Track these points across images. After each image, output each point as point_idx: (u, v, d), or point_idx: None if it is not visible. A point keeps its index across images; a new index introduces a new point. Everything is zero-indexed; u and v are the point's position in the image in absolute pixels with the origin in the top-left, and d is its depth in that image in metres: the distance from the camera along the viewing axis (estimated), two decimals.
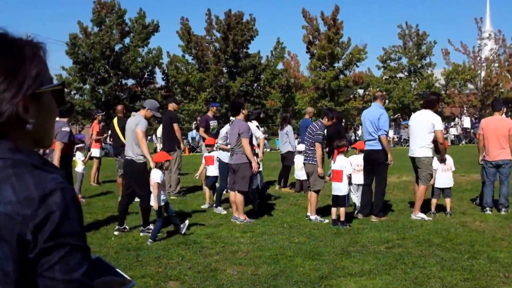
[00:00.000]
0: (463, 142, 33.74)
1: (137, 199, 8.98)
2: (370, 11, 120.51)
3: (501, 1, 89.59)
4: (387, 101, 46.30)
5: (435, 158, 9.69)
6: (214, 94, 45.70)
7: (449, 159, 9.91)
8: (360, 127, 30.19)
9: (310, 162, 9.45)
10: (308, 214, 9.51)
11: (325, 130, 9.65)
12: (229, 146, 9.77)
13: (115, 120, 12.18)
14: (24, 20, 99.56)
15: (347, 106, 49.68)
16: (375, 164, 9.64)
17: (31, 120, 1.30)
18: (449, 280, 5.95)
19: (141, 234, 8.34)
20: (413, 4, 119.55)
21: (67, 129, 8.20)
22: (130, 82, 45.91)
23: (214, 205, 10.57)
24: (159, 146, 11.47)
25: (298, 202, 11.34)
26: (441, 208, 10.01)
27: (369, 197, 9.73)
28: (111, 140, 22.78)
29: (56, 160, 7.86)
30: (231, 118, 10.21)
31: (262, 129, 15.34)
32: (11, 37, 1.33)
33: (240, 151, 9.27)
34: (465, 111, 48.69)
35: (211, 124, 12.84)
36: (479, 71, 50.28)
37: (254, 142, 10.37)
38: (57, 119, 7.85)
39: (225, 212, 10.18)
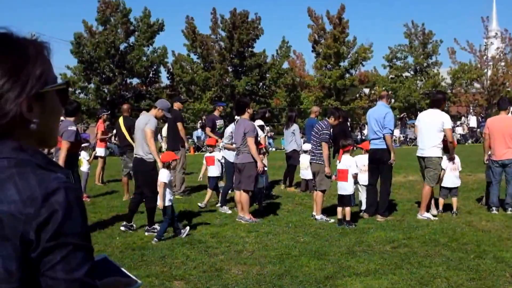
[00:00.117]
0: (469, 141, 33.63)
1: None
2: (375, 10, 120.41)
3: (508, 0, 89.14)
4: (392, 100, 46.24)
5: (444, 158, 9.64)
6: (219, 93, 45.73)
7: (456, 158, 9.88)
8: (366, 126, 30.28)
9: (316, 162, 9.42)
10: (314, 213, 9.49)
11: (331, 130, 9.62)
12: (234, 145, 9.76)
13: (121, 119, 12.17)
14: (28, 19, 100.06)
15: (353, 105, 49.63)
16: (380, 163, 9.61)
17: (35, 119, 1.30)
18: (455, 280, 5.93)
19: (146, 233, 8.34)
20: (419, 3, 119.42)
21: (73, 128, 8.20)
22: (135, 81, 45.98)
23: (219, 204, 10.56)
24: (164, 145, 11.47)
25: (303, 202, 11.32)
26: (447, 207, 9.97)
27: (374, 197, 9.70)
28: (116, 139, 22.89)
29: (61, 159, 7.87)
30: (236, 117, 10.20)
31: (267, 128, 15.35)
32: (15, 36, 1.33)
33: (246, 151, 9.25)
34: (471, 110, 48.51)
35: (217, 124, 12.83)
36: (485, 70, 50.13)
37: (262, 141, 10.36)
38: (62, 118, 7.88)
39: (230, 211, 10.16)
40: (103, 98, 42.47)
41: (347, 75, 49.58)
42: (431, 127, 9.31)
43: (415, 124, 10.08)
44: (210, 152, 11.11)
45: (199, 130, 29.96)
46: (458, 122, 36.91)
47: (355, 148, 10.06)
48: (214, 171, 10.89)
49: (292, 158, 13.21)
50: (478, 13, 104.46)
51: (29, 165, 1.25)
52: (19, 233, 1.17)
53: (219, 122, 12.94)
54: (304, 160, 12.39)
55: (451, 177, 9.81)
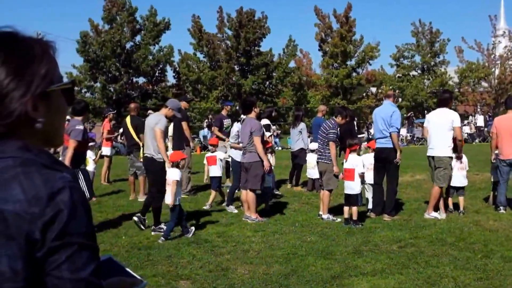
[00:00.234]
0: (477, 140, 33.51)
1: None
2: (383, 9, 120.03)
3: None
4: (399, 99, 46.16)
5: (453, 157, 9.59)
6: (225, 92, 45.75)
7: (464, 158, 9.84)
8: (372, 125, 30.29)
9: (323, 161, 9.40)
10: (320, 213, 9.47)
11: (338, 129, 9.59)
12: (241, 144, 9.75)
13: (128, 119, 12.16)
14: (34, 18, 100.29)
15: (359, 104, 49.52)
16: (386, 162, 9.58)
17: (41, 119, 1.30)
18: (462, 280, 5.91)
19: (152, 233, 8.34)
20: (427, 1, 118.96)
21: (80, 127, 8.21)
22: (141, 80, 46.06)
23: (226, 203, 10.55)
24: (170, 144, 11.48)
25: (310, 201, 11.30)
26: (454, 207, 9.93)
27: (380, 196, 9.67)
28: (122, 138, 22.93)
29: (68, 158, 7.87)
30: (242, 116, 10.18)
31: (273, 127, 15.33)
32: (20, 36, 1.33)
33: (252, 150, 9.24)
34: (478, 109, 48.34)
35: (225, 123, 12.83)
36: (493, 69, 49.95)
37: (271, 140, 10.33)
38: (68, 117, 7.88)
39: (236, 211, 10.16)
40: (109, 97, 42.54)
41: (354, 74, 49.52)
42: (441, 127, 9.27)
43: (424, 125, 10.00)
44: (212, 152, 11.06)
45: (206, 129, 29.98)
46: (465, 121, 36.76)
47: (362, 147, 10.04)
48: (216, 171, 10.83)
49: (299, 157, 13.19)
50: (485, 11, 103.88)
51: (34, 165, 1.24)
52: (24, 232, 1.17)
53: (227, 122, 12.94)
54: (311, 159, 12.37)
55: (459, 176, 9.77)
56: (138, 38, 44.19)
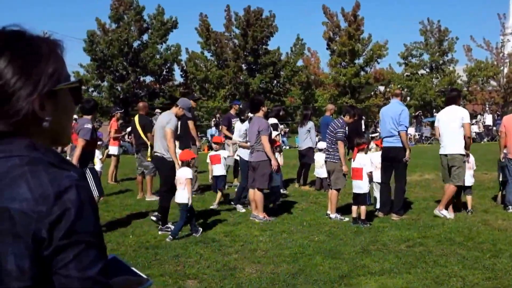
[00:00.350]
0: (485, 139, 33.36)
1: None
2: (391, 7, 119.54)
3: None
4: (408, 98, 46.02)
5: None
6: (233, 91, 45.75)
7: (471, 157, 9.78)
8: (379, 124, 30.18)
9: (331, 160, 9.38)
10: (328, 212, 9.45)
11: (347, 128, 9.57)
12: (248, 143, 9.73)
13: (136, 118, 12.15)
14: (41, 18, 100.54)
15: (367, 103, 49.35)
16: (394, 161, 9.54)
17: (48, 117, 1.30)
18: (471, 279, 5.88)
19: (160, 232, 8.35)
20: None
21: (89, 126, 8.20)
22: (149, 79, 46.11)
23: (234, 202, 10.54)
24: (177, 143, 11.48)
25: (317, 200, 11.28)
26: (462, 206, 9.88)
27: (388, 195, 9.64)
28: (129, 137, 22.98)
29: (75, 157, 7.89)
30: (250, 115, 10.16)
31: (281, 126, 15.30)
32: (27, 34, 1.33)
33: (260, 149, 9.23)
34: (487, 108, 48.12)
35: (233, 122, 12.82)
36: (501, 68, 49.68)
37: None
38: (75, 116, 7.91)
39: (244, 210, 10.15)
40: (116, 96, 42.60)
41: (362, 73, 49.36)
42: (451, 124, 9.22)
43: (435, 125, 9.94)
44: (216, 150, 10.97)
45: (213, 128, 30.00)
46: (474, 120, 36.59)
47: (372, 146, 10.01)
48: (220, 169, 10.76)
49: (307, 156, 13.17)
50: (494, 10, 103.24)
51: (41, 163, 1.24)
52: (31, 231, 1.17)
53: (235, 121, 12.91)
54: (319, 158, 12.35)
55: (467, 175, 9.71)
56: (145, 37, 44.24)
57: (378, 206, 9.84)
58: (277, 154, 10.37)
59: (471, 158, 9.78)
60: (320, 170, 12.46)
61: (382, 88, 53.15)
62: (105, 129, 22.51)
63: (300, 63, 50.99)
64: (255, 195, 9.32)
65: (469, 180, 9.76)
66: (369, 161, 9.05)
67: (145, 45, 43.69)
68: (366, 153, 9.26)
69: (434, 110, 45.12)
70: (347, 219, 9.18)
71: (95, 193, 7.93)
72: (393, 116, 9.49)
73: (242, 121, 11.25)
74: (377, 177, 9.77)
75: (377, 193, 10.00)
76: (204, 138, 27.32)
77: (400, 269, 6.29)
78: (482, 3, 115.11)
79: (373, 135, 17.24)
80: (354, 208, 8.99)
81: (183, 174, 8.10)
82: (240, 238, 7.98)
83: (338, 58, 48.71)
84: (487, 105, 49.46)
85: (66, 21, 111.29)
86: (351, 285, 5.78)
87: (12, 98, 1.25)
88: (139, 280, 1.59)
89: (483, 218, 9.17)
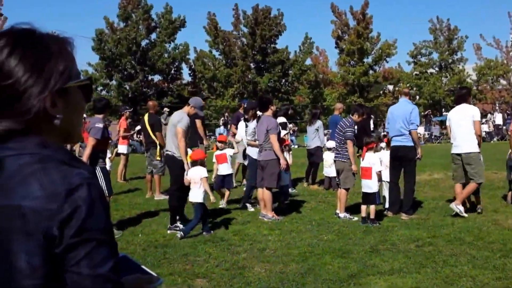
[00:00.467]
0: (495, 139, 33.17)
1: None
2: (400, 5, 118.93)
3: None
4: (417, 97, 45.86)
5: None
6: (241, 90, 45.77)
7: None
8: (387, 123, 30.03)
9: (340, 160, 9.35)
10: (337, 211, 9.43)
11: (356, 127, 9.54)
12: (257, 142, 9.72)
13: (146, 116, 12.14)
14: (49, 17, 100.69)
15: (376, 102, 49.21)
16: (403, 161, 9.49)
17: (59, 115, 1.31)
18: (481, 279, 5.84)
19: (168, 231, 8.35)
20: None
21: (100, 125, 8.19)
22: (157, 78, 46.23)
23: (243, 201, 10.54)
24: None
25: (326, 200, 11.26)
26: (472, 206, 9.83)
27: (397, 195, 9.60)
28: (138, 136, 23.02)
29: (86, 156, 7.89)
30: (259, 113, 10.15)
31: (290, 125, 15.28)
32: (38, 32, 1.34)
33: (269, 148, 9.21)
34: (497, 107, 47.85)
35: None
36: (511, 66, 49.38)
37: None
38: (84, 115, 7.91)
39: (252, 209, 10.14)
40: (124, 95, 42.75)
41: (371, 72, 49.24)
42: (464, 123, 9.16)
43: (446, 124, 9.88)
44: (221, 149, 10.89)
45: (222, 127, 30.03)
46: (484, 120, 36.40)
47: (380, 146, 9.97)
48: (227, 169, 10.68)
49: (315, 156, 13.16)
50: (504, 8, 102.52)
51: (52, 161, 1.25)
52: (42, 228, 1.17)
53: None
54: (328, 157, 12.32)
55: None
56: (153, 35, 44.36)
57: (387, 205, 9.80)
58: (286, 153, 10.35)
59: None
60: (328, 169, 12.44)
61: (391, 87, 53.02)
62: (114, 128, 22.56)
63: (308, 62, 51.00)
64: (263, 194, 9.31)
65: None
66: (378, 160, 9.02)
67: (153, 44, 43.80)
68: (375, 152, 9.22)
69: (443, 109, 45.00)
70: (356, 218, 9.15)
71: (105, 192, 7.94)
72: (404, 115, 9.43)
73: (246, 120, 11.22)
74: (386, 176, 9.73)
75: (386, 193, 9.96)
76: (212, 137, 27.32)
77: (409, 268, 6.26)
78: (492, 1, 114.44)
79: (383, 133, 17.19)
80: (363, 207, 8.96)
81: (198, 173, 8.12)
82: (249, 237, 7.97)
83: (346, 57, 48.61)
84: (497, 104, 49.16)
85: (74, 19, 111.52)
86: (360, 285, 5.76)
87: (23, 96, 1.26)
88: (149, 279, 1.59)
89: (493, 217, 9.11)
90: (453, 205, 9.18)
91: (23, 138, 1.26)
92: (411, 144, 9.43)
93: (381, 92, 52.28)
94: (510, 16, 50.49)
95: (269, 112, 9.54)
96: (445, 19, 49.72)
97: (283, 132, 10.93)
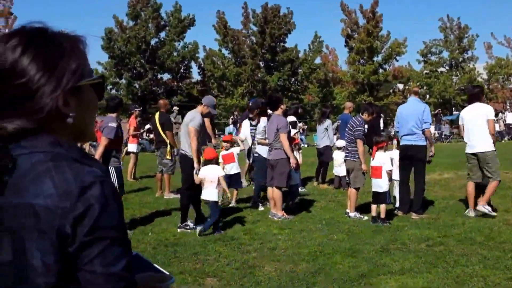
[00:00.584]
0: (506, 138, 32.96)
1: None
2: (410, 4, 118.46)
3: None
4: (427, 95, 45.68)
5: None
6: (250, 89, 45.77)
7: None
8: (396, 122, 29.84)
9: (350, 159, 9.33)
10: (347, 211, 9.40)
11: (366, 126, 9.51)
12: (267, 141, 9.71)
13: (157, 115, 12.13)
14: (59, 15, 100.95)
15: (386, 101, 49.08)
16: (414, 160, 9.44)
17: (72, 113, 1.31)
18: (492, 279, 5.80)
19: (179, 230, 8.37)
20: None
21: (113, 125, 8.17)
22: (166, 76, 46.31)
23: (252, 200, 10.53)
24: None
25: (336, 199, 11.23)
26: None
27: (407, 194, 9.56)
28: (147, 135, 23.07)
29: (98, 155, 7.88)
30: (269, 112, 10.14)
31: (300, 124, 15.27)
32: (50, 31, 1.34)
33: (279, 147, 9.20)
34: (508, 107, 47.58)
35: None
36: None
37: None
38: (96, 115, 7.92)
39: (262, 208, 10.13)
40: (134, 93, 42.86)
41: (381, 70, 49.11)
42: (478, 122, 9.08)
43: (459, 123, 9.79)
44: (227, 149, 10.77)
45: (231, 126, 30.03)
46: (495, 119, 36.19)
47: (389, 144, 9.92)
48: (235, 168, 10.61)
49: (325, 155, 13.13)
50: None
51: (65, 159, 1.25)
52: (55, 227, 1.17)
53: None
54: (338, 156, 12.30)
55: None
56: (162, 34, 44.45)
57: (397, 205, 9.77)
58: (296, 152, 10.33)
59: None
60: (338, 168, 12.41)
61: (401, 86, 52.85)
62: (123, 127, 22.66)
63: (318, 60, 50.94)
64: (273, 193, 9.30)
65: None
66: (388, 159, 8.98)
67: (163, 43, 43.88)
68: (385, 151, 9.18)
69: (453, 108, 44.75)
70: (366, 217, 9.12)
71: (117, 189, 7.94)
72: (416, 114, 9.38)
73: (251, 119, 11.20)
74: (397, 175, 9.69)
75: (396, 192, 9.93)
76: (221, 136, 27.31)
77: (420, 268, 6.23)
78: None
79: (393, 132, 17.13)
80: (373, 206, 8.94)
81: (215, 172, 8.17)
82: (259, 236, 7.96)
83: (356, 56, 48.52)
84: (508, 103, 48.88)
85: (83, 18, 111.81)
86: (371, 284, 5.74)
87: (36, 94, 1.26)
88: (162, 277, 1.59)
89: (504, 217, 9.04)
90: (480, 207, 9.06)
91: (36, 137, 1.26)
92: (422, 143, 9.39)
93: (391, 91, 52.13)
94: None
95: (279, 111, 9.53)
96: (456, 17, 49.58)
97: (293, 131, 10.90)
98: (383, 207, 8.81)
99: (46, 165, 1.22)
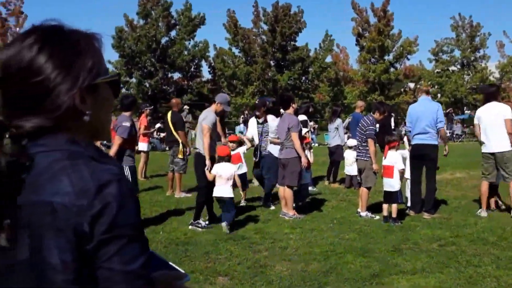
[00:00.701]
0: None
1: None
2: (421, 2, 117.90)
3: None
4: (439, 95, 45.49)
5: None
6: (261, 88, 45.73)
7: None
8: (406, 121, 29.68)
9: (362, 158, 9.30)
10: (359, 210, 9.38)
11: (377, 125, 9.47)
12: (278, 140, 9.70)
13: (169, 114, 12.12)
14: (69, 14, 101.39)
15: (397, 100, 48.87)
16: (426, 159, 9.40)
17: (88, 111, 1.31)
18: (505, 280, 5.78)
19: (190, 227, 8.38)
20: None
21: (127, 124, 8.18)
22: (176, 75, 46.42)
23: (263, 199, 10.52)
24: None
25: (347, 198, 11.21)
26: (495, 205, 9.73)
27: (418, 194, 9.52)
28: (158, 134, 23.12)
29: (112, 154, 7.90)
30: (282, 111, 10.12)
31: (311, 123, 15.23)
32: (66, 29, 1.34)
33: (290, 146, 9.19)
34: None
35: None
36: None
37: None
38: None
39: (273, 207, 10.12)
40: (144, 92, 42.98)
41: (392, 69, 48.92)
42: (497, 121, 9.00)
43: (474, 122, 9.69)
44: (233, 149, 10.63)
45: (242, 125, 30.01)
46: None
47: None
48: (242, 168, 10.55)
49: (336, 154, 13.10)
50: None
51: (82, 157, 1.25)
52: (73, 225, 1.17)
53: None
54: (349, 156, 12.27)
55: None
56: (173, 33, 44.56)
57: (409, 204, 9.73)
58: (307, 151, 10.30)
59: None
60: (349, 167, 12.38)
61: (412, 85, 52.62)
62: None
63: (328, 59, 50.76)
64: (285, 192, 9.29)
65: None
66: (400, 159, 8.94)
67: (173, 42, 43.98)
68: (397, 150, 9.13)
69: (465, 108, 44.56)
70: (377, 217, 9.09)
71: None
72: (431, 113, 9.33)
73: (257, 117, 11.19)
74: (408, 174, 9.64)
75: (408, 192, 9.88)
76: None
77: (432, 268, 6.20)
78: None
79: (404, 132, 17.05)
80: (385, 206, 8.91)
81: (229, 170, 8.22)
82: (270, 235, 7.95)
83: (367, 54, 48.36)
84: None
85: (94, 17, 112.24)
86: (383, 284, 5.72)
87: (52, 93, 1.26)
88: (177, 275, 1.59)
89: None
90: None
91: (53, 135, 1.26)
92: (435, 142, 9.35)
93: (402, 90, 51.92)
94: None
95: (290, 110, 9.52)
96: (468, 16, 49.28)
97: (304, 130, 10.87)
98: (394, 206, 8.78)
99: (63, 163, 1.22)
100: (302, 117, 11.79)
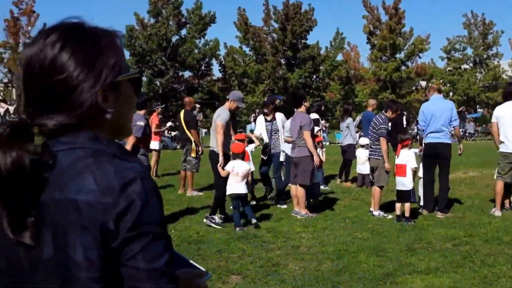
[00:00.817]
0: None
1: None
2: (433, 0, 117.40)
3: None
4: (451, 93, 45.27)
5: None
6: (272, 86, 45.74)
7: None
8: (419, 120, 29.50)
9: (374, 157, 9.26)
10: (371, 209, 9.34)
11: (389, 123, 9.42)
12: (290, 138, 9.67)
13: (182, 113, 12.12)
14: (80, 12, 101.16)
15: (409, 98, 48.72)
16: (440, 158, 9.33)
17: (111, 109, 1.31)
18: None
19: (205, 220, 8.43)
20: None
21: (141, 123, 8.19)
22: (187, 74, 46.53)
23: (276, 198, 10.49)
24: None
25: (360, 197, 11.17)
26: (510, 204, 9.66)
27: (431, 193, 9.46)
28: (169, 132, 23.16)
29: None
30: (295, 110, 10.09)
31: (322, 121, 15.20)
32: (87, 26, 1.34)
33: (302, 144, 9.17)
34: None
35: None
36: None
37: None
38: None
39: (285, 206, 10.11)
40: (155, 91, 43.12)
41: (403, 68, 48.81)
42: None
43: (492, 121, 9.59)
44: None
45: (253, 124, 30.02)
46: None
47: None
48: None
49: (348, 152, 13.06)
50: None
51: (104, 155, 1.24)
52: (98, 223, 1.17)
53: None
54: (361, 154, 12.23)
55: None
56: (183, 31, 44.66)
57: (422, 203, 9.67)
58: (319, 149, 10.27)
59: None
60: (362, 166, 12.34)
61: (423, 83, 52.42)
62: None
63: (339, 57, 50.80)
64: (297, 191, 9.27)
65: None
66: (413, 157, 8.87)
67: (184, 40, 44.09)
68: (409, 149, 9.07)
69: (477, 106, 44.31)
70: (390, 216, 9.05)
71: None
72: (446, 111, 9.26)
73: (266, 114, 11.16)
74: (421, 172, 9.59)
75: (421, 191, 9.82)
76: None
77: (446, 268, 6.16)
78: None
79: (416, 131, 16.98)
80: (397, 205, 8.86)
81: (244, 167, 8.27)
82: (283, 234, 7.93)
83: (378, 53, 48.27)
84: None
85: (105, 16, 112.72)
86: (397, 284, 5.68)
87: (75, 90, 1.26)
88: (199, 273, 1.58)
89: None
90: None
91: (76, 133, 1.26)
92: (448, 141, 9.29)
93: (413, 88, 51.76)
94: None
95: (302, 108, 9.49)
96: (480, 13, 49.06)
97: (316, 129, 10.83)
98: (407, 205, 8.72)
99: (87, 161, 1.22)
100: (314, 116, 11.75)
